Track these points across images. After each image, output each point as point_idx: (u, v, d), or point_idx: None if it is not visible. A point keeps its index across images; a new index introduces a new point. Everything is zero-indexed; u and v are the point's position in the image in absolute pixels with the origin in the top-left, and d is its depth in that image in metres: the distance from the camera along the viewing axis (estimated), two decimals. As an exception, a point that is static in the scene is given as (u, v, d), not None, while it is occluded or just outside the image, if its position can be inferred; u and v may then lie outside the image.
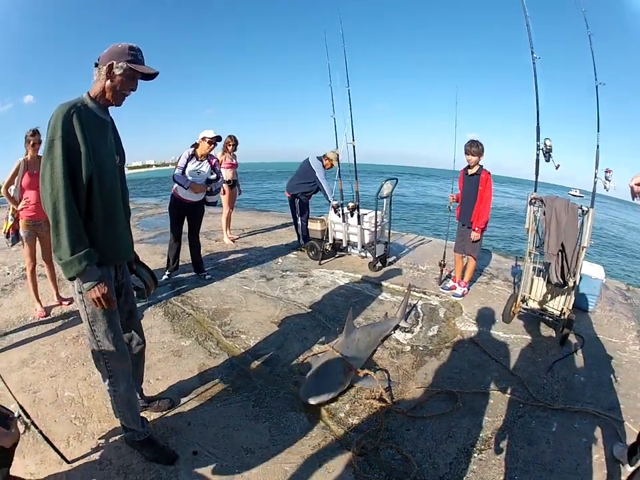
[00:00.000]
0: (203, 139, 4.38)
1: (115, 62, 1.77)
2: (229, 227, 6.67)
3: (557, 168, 3.40)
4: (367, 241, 5.23)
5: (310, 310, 3.78)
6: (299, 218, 5.89)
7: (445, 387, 2.61)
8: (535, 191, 3.48)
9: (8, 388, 2.27)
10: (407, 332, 3.37)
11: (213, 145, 4.44)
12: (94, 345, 1.88)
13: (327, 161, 5.64)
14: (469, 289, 4.33)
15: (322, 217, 5.67)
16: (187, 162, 4.41)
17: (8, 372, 2.88)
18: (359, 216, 5.10)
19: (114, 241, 1.89)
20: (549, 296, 3.55)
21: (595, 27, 3.58)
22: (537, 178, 3.54)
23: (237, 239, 6.66)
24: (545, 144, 3.36)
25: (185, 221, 4.68)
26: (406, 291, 3.90)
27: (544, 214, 3.29)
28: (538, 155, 3.41)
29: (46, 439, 2.06)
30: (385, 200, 5.28)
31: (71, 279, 1.75)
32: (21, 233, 3.99)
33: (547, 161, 3.39)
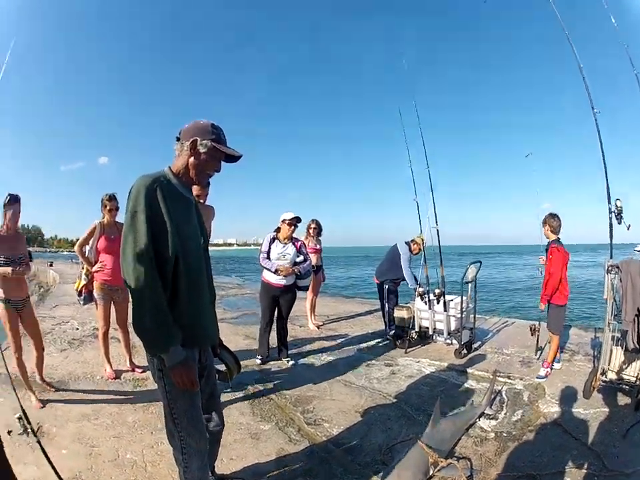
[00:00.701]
0: (283, 221, 4.41)
1: (199, 139, 1.71)
2: (314, 312, 6.69)
3: (628, 229, 3.33)
4: (453, 327, 5.14)
5: (395, 400, 3.78)
6: (386, 305, 5.81)
7: (525, 471, 2.54)
8: (611, 257, 3.41)
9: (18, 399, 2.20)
10: (492, 419, 3.30)
11: (293, 227, 4.45)
12: (170, 422, 1.80)
13: (415, 245, 5.75)
14: (551, 369, 4.11)
15: (408, 305, 5.64)
16: (270, 245, 4.45)
17: (64, 420, 2.99)
18: (445, 302, 5.06)
19: (198, 323, 1.82)
20: (626, 364, 3.36)
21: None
22: (611, 243, 3.48)
23: (322, 325, 6.65)
24: (615, 205, 3.35)
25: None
26: (491, 377, 3.86)
27: (620, 280, 3.23)
28: (610, 218, 3.38)
29: (43, 450, 2.02)
30: (469, 284, 5.26)
31: (153, 356, 1.69)
32: (95, 295, 3.98)
33: (619, 223, 3.36)
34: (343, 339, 5.90)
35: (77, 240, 4.09)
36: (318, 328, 6.55)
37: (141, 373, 4.16)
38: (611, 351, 3.46)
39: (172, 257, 1.66)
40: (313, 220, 6.59)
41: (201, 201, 2.77)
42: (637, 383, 3.21)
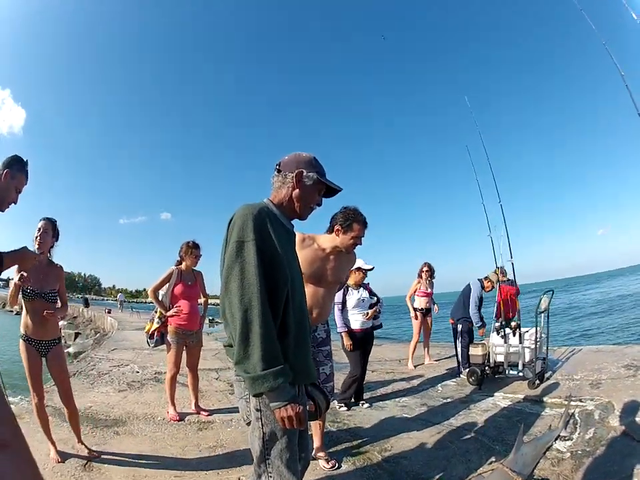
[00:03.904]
0: (358, 269, 4.39)
1: (304, 171, 1.69)
2: (413, 354, 6.79)
3: None
4: (527, 359, 5.17)
5: (473, 434, 3.84)
6: (459, 345, 5.96)
7: None
8: None
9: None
10: (567, 440, 3.42)
11: (365, 275, 4.60)
12: (261, 465, 1.64)
13: (488, 282, 5.99)
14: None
15: (483, 342, 5.70)
16: (344, 296, 4.60)
17: (119, 458, 2.91)
18: (520, 335, 5.14)
19: (304, 360, 1.71)
20: None
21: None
22: None
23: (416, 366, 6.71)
24: None
25: None
26: (565, 402, 4.01)
27: None
28: None
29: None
30: (542, 314, 5.31)
31: (257, 395, 1.53)
32: (169, 338, 4.01)
33: None
34: (417, 380, 5.96)
35: (140, 290, 4.40)
36: (415, 367, 6.68)
37: (207, 416, 4.10)
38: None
39: (285, 292, 1.58)
40: (425, 263, 6.83)
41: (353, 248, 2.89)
42: None
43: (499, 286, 5.85)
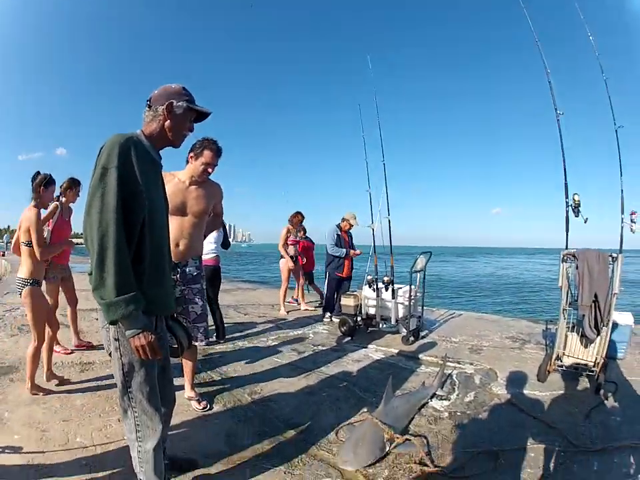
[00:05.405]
0: None
1: (174, 101, 1.75)
2: (284, 300, 7.00)
3: (585, 222, 3.52)
4: (400, 315, 5.20)
5: (344, 382, 3.73)
6: (325, 291, 6.18)
7: (485, 447, 2.56)
8: (566, 247, 3.57)
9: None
10: (444, 399, 3.33)
11: None
12: (124, 398, 1.70)
13: (344, 222, 6.11)
14: None
15: (355, 293, 5.68)
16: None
17: (15, 405, 3.05)
18: (393, 290, 5.15)
19: (160, 290, 1.76)
20: (583, 349, 3.52)
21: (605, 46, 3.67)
22: (567, 234, 3.64)
23: (289, 312, 6.88)
24: (573, 199, 3.52)
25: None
26: (440, 362, 3.95)
27: (577, 268, 3.39)
28: (567, 211, 3.56)
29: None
30: (418, 274, 5.34)
31: (112, 323, 1.56)
32: (49, 273, 4.08)
33: (576, 216, 3.53)
34: (288, 326, 5.91)
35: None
36: (287, 313, 6.81)
37: (88, 348, 4.43)
38: (566, 336, 3.61)
39: (140, 219, 1.61)
40: (297, 212, 6.93)
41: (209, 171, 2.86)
42: (595, 367, 3.37)
43: (299, 242, 6.99)
